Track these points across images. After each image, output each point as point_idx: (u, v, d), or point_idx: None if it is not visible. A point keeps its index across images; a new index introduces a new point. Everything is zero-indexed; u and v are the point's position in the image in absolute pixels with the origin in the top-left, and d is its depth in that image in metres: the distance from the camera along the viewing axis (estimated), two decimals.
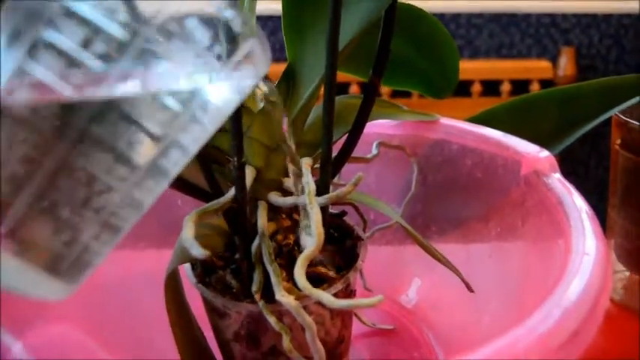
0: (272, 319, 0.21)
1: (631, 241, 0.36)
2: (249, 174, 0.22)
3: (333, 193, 0.22)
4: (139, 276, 0.32)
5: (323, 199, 0.21)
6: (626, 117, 0.36)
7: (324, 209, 0.23)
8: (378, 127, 0.35)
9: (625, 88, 0.35)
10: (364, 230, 0.30)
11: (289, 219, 0.24)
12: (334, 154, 0.24)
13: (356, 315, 0.31)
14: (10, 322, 0.16)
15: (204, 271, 0.24)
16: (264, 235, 0.22)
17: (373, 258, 0.31)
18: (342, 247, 0.25)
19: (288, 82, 0.26)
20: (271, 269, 0.21)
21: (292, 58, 0.27)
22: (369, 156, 0.31)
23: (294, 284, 0.21)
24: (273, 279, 0.20)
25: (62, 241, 0.15)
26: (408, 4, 0.30)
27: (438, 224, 0.36)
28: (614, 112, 0.36)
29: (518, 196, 0.30)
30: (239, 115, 0.20)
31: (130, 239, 0.32)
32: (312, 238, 0.20)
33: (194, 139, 0.16)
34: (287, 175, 0.24)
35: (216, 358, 0.26)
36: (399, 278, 0.35)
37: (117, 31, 0.13)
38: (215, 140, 0.24)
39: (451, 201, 0.35)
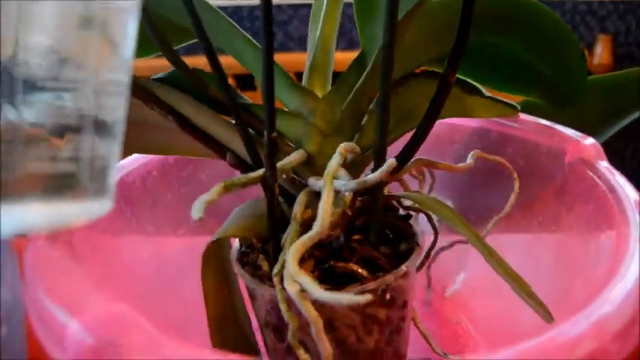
0: (283, 306, 0.20)
1: None
2: (299, 157, 0.22)
3: (359, 180, 0.20)
4: (179, 261, 0.32)
5: (344, 184, 0.20)
6: None
7: (376, 203, 0.22)
8: None
9: None
10: (435, 239, 0.29)
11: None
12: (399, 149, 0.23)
13: (424, 337, 0.29)
14: (66, 301, 0.17)
15: (247, 250, 0.24)
16: (294, 219, 0.21)
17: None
18: (397, 250, 0.23)
19: (359, 69, 0.24)
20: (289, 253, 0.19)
21: (364, 45, 0.25)
22: (460, 165, 0.27)
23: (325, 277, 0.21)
24: (287, 264, 0.18)
25: (66, 158, 0.15)
26: None
27: (477, 213, 0.36)
28: None
29: (562, 185, 0.30)
30: (272, 88, 0.19)
31: (171, 225, 0.33)
32: (316, 223, 0.18)
33: None
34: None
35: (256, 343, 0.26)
36: (445, 270, 0.35)
37: None
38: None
39: (491, 189, 0.34)
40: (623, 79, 0.34)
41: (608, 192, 0.25)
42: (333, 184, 0.20)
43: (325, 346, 0.17)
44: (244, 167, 0.24)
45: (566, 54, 0.29)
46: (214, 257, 0.23)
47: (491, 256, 0.21)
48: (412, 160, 0.26)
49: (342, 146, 0.21)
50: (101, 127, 0.15)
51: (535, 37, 0.28)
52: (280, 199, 0.24)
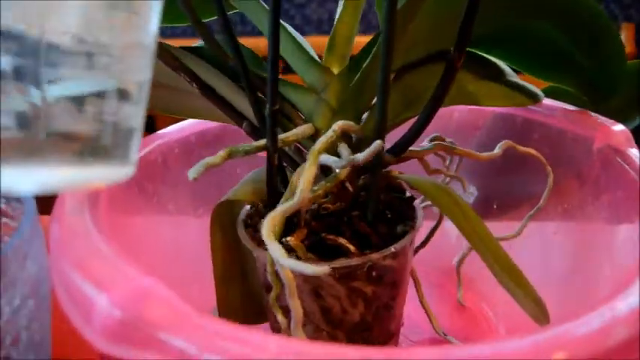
0: (269, 269, 0.20)
1: None
2: (303, 130, 0.22)
3: (348, 157, 0.21)
4: (200, 239, 0.32)
5: (335, 160, 0.20)
6: None
7: (374, 181, 0.22)
8: None
9: None
10: (438, 223, 0.29)
11: (343, 187, 0.24)
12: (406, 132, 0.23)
13: (430, 318, 0.29)
14: (93, 276, 0.17)
15: (253, 213, 0.25)
16: (289, 187, 0.22)
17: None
18: (394, 231, 0.24)
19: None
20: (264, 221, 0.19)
21: (382, 25, 0.24)
22: (484, 154, 0.27)
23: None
24: (262, 230, 0.18)
25: (90, 122, 0.15)
26: None
27: (500, 200, 0.35)
28: None
29: (589, 172, 0.29)
30: (277, 61, 0.20)
31: (191, 205, 0.33)
32: (295, 195, 0.19)
33: None
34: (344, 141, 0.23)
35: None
36: (458, 252, 0.35)
37: None
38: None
39: (515, 177, 0.34)
40: None
41: (638, 179, 0.24)
42: (325, 160, 0.20)
43: (296, 308, 0.18)
44: (259, 136, 0.24)
45: (605, 47, 0.28)
46: (223, 217, 0.24)
47: (486, 249, 0.21)
48: (430, 143, 0.26)
49: (339, 124, 0.22)
50: (125, 93, 0.15)
51: (575, 27, 0.28)
52: (288, 168, 0.25)
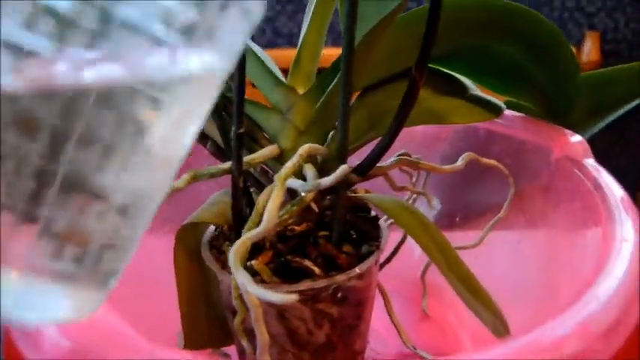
0: (234, 293, 0.20)
1: None
2: (269, 152, 0.22)
3: (314, 182, 0.21)
4: (165, 262, 0.32)
5: (301, 184, 0.20)
6: None
7: (338, 203, 0.22)
8: None
9: None
10: (401, 242, 0.29)
11: (308, 207, 0.24)
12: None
13: (399, 333, 0.29)
14: None
15: (217, 234, 0.25)
16: (255, 210, 0.21)
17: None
18: (359, 251, 0.24)
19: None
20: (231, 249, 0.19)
21: None
22: (446, 166, 0.27)
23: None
24: (230, 258, 0.18)
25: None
26: (524, 7, 0.27)
27: (463, 212, 0.36)
28: None
29: (548, 182, 0.30)
30: (243, 83, 0.20)
31: (156, 225, 0.32)
32: (262, 222, 0.19)
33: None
34: (310, 161, 0.23)
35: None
36: (433, 270, 0.35)
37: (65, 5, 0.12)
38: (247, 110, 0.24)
39: (477, 188, 0.34)
40: (608, 77, 0.34)
41: (594, 190, 0.25)
42: (291, 184, 0.20)
43: (262, 334, 0.18)
44: (224, 155, 0.24)
45: (560, 64, 0.29)
46: (187, 239, 0.24)
47: (447, 264, 0.21)
48: (394, 158, 0.26)
49: (304, 148, 0.22)
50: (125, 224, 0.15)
51: (530, 45, 0.28)
52: (254, 189, 0.25)
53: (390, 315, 0.30)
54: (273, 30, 1.14)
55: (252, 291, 0.16)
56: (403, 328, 0.30)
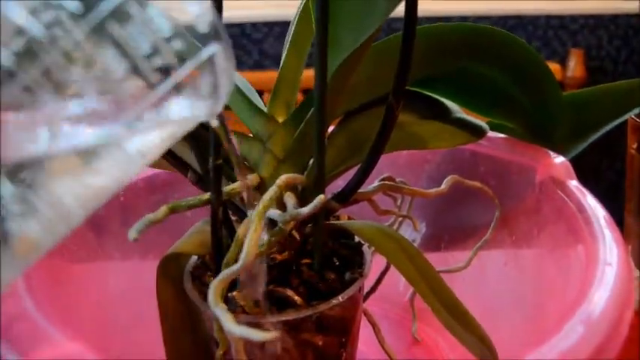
0: (215, 326, 0.20)
1: None
2: (252, 181, 0.22)
3: (292, 212, 0.21)
4: (149, 287, 0.31)
5: (279, 214, 0.20)
6: None
7: (318, 232, 0.22)
8: None
9: (639, 91, 0.34)
10: (385, 270, 0.29)
11: (290, 236, 0.24)
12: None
13: (389, 356, 0.29)
14: (15, 341, 0.16)
15: (200, 265, 0.25)
16: (235, 241, 0.21)
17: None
18: (342, 279, 0.23)
19: None
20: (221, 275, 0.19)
21: None
22: (431, 190, 0.27)
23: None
24: (209, 295, 0.18)
25: None
26: (503, 31, 0.27)
27: (450, 233, 0.35)
28: (629, 115, 0.35)
29: (533, 204, 0.30)
30: (222, 114, 0.19)
31: (139, 251, 0.32)
32: (241, 257, 0.18)
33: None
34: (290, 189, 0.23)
35: None
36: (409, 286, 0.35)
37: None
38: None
39: (463, 209, 0.34)
40: (590, 97, 0.35)
41: (577, 212, 0.25)
42: (270, 215, 0.20)
43: None
44: (205, 184, 0.24)
45: (542, 86, 0.30)
46: (170, 269, 0.24)
47: (431, 293, 0.21)
48: (377, 183, 0.26)
49: (282, 178, 0.21)
50: None
51: (513, 69, 0.29)
52: (236, 218, 0.25)
53: (380, 343, 0.29)
54: (260, 52, 1.14)
55: (231, 329, 0.16)
56: (393, 351, 0.30)
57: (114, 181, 0.14)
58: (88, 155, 0.14)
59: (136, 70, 0.13)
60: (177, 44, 0.13)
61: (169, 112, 0.14)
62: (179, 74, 0.13)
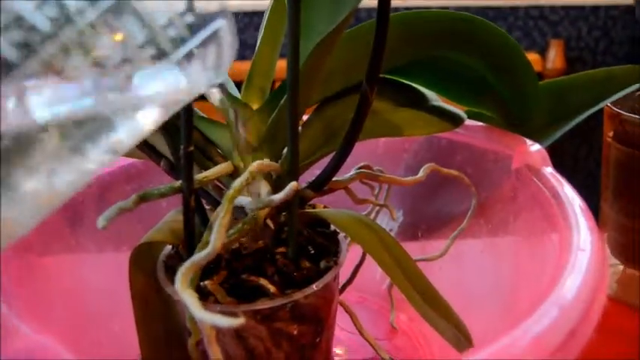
0: (187, 315, 0.20)
1: (625, 235, 0.36)
2: (220, 170, 0.22)
3: (264, 199, 0.20)
4: (123, 279, 0.31)
5: (249, 201, 0.20)
6: (618, 109, 0.36)
7: (291, 220, 0.22)
8: None
9: (616, 80, 0.34)
10: (362, 259, 0.29)
11: (264, 224, 0.23)
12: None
13: (371, 344, 0.29)
14: None
15: (173, 254, 0.24)
16: (207, 228, 0.21)
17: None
18: (318, 267, 0.23)
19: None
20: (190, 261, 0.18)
21: None
22: (408, 178, 0.27)
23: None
24: (176, 281, 0.17)
25: None
26: (481, 19, 0.27)
27: (427, 221, 0.35)
28: (606, 103, 0.35)
29: (509, 191, 0.30)
30: (190, 103, 0.19)
31: (113, 242, 0.32)
32: (210, 244, 0.18)
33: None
34: (265, 178, 0.23)
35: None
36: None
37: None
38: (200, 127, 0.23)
39: (441, 198, 0.34)
40: (567, 85, 0.35)
41: (552, 199, 0.25)
42: (240, 202, 0.20)
43: (215, 355, 0.17)
44: (177, 174, 0.24)
45: (519, 74, 0.30)
46: (143, 260, 0.23)
47: (407, 282, 0.21)
48: (354, 172, 0.26)
49: (254, 165, 0.21)
50: None
51: (490, 56, 0.29)
52: (209, 207, 0.24)
53: (359, 330, 0.29)
54: (241, 42, 1.13)
55: (198, 315, 0.15)
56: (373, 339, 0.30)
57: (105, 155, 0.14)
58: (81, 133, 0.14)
59: (153, 40, 0.14)
60: (189, 18, 0.15)
61: (179, 80, 0.15)
62: (191, 43, 0.15)
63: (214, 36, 0.15)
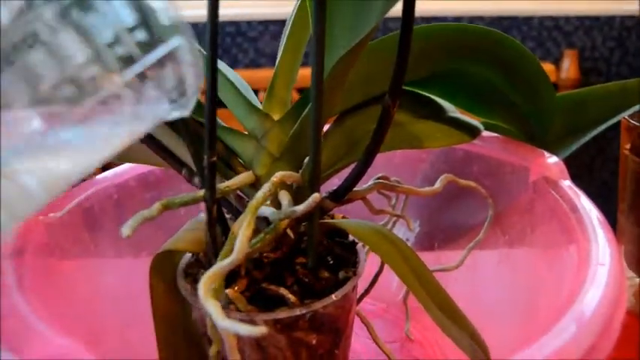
0: (208, 324, 0.20)
1: None
2: (242, 180, 0.22)
3: (287, 209, 0.21)
4: (142, 285, 0.31)
5: (273, 212, 0.20)
6: (635, 121, 0.36)
7: (312, 230, 0.22)
8: None
9: (632, 93, 0.34)
10: (381, 269, 0.29)
11: (284, 234, 0.23)
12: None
13: (386, 354, 0.29)
14: (8, 337, 0.16)
15: (194, 262, 0.25)
16: (229, 238, 0.21)
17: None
18: (336, 277, 0.23)
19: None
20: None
21: None
22: (425, 189, 0.27)
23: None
24: (199, 290, 0.18)
25: None
26: (497, 31, 0.27)
27: (444, 232, 0.36)
28: (623, 116, 0.35)
29: (526, 203, 0.30)
30: (214, 111, 0.19)
31: (132, 248, 0.32)
32: (233, 253, 0.18)
33: None
34: (285, 188, 0.23)
35: None
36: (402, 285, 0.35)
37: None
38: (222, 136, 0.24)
39: (457, 208, 0.34)
40: (584, 97, 0.35)
41: (570, 212, 0.25)
42: (263, 213, 0.20)
43: None
44: (199, 183, 0.24)
45: (536, 86, 0.30)
46: (163, 267, 0.24)
47: (424, 293, 0.21)
48: (371, 182, 0.26)
49: (277, 175, 0.21)
50: None
51: (507, 68, 0.29)
52: (230, 216, 0.24)
53: (375, 340, 0.29)
54: (256, 50, 1.14)
55: (221, 324, 0.16)
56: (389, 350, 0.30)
57: (78, 167, 0.14)
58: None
59: (98, 58, 0.13)
60: (141, 35, 0.13)
61: (139, 107, 0.14)
62: (142, 63, 0.13)
63: (171, 57, 0.14)
